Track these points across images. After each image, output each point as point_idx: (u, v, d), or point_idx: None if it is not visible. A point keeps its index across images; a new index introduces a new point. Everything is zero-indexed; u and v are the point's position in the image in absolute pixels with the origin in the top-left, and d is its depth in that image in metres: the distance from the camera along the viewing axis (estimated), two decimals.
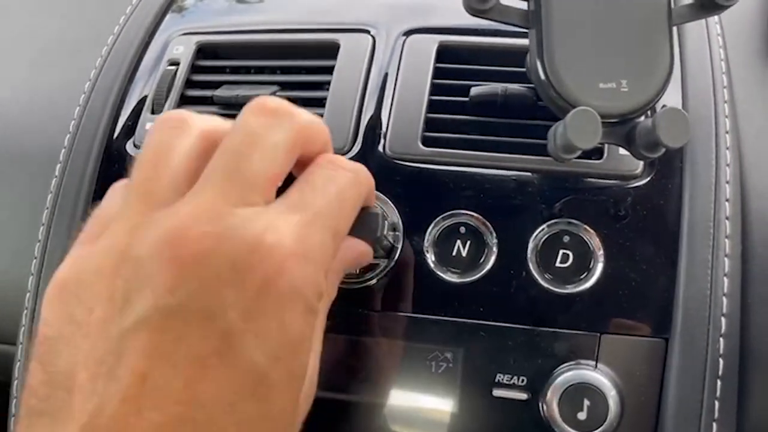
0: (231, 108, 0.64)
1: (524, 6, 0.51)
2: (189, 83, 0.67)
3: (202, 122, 0.42)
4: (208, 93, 0.65)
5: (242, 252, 0.34)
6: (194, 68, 0.68)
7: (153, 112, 0.65)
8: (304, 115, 0.42)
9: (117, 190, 0.44)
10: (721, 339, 0.50)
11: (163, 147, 0.40)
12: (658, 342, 0.52)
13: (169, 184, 0.38)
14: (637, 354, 0.52)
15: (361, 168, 0.45)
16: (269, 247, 0.35)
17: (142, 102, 0.67)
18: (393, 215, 0.56)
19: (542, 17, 0.49)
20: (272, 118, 0.41)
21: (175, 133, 0.41)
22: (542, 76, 0.49)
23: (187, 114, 0.42)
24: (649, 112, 0.52)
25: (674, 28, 0.53)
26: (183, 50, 0.68)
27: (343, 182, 0.42)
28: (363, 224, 0.47)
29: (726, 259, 0.52)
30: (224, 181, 0.37)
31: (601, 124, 0.48)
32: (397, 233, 0.55)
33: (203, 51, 0.69)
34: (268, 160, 0.39)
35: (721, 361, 0.50)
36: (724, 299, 0.51)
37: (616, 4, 0.49)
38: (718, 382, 0.50)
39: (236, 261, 0.34)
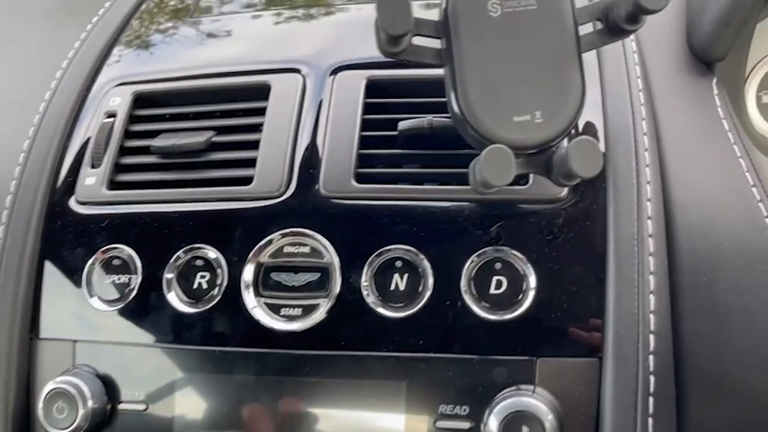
0: (168, 157, 0.65)
1: (438, 44, 0.52)
2: (128, 134, 0.67)
3: None
4: (146, 143, 0.66)
5: None
6: (132, 118, 0.68)
7: (93, 167, 0.66)
8: None
9: None
10: (651, 356, 0.51)
11: None
12: (592, 362, 0.53)
13: None
14: (574, 375, 0.53)
15: None
16: None
17: (81, 156, 0.67)
18: (331, 256, 0.57)
19: (454, 55, 0.50)
20: None
21: None
22: (457, 113, 0.50)
23: None
24: (567, 139, 0.53)
25: (593, 51, 0.54)
26: (120, 101, 0.69)
27: None
28: None
29: (651, 277, 0.53)
30: None
31: (519, 155, 0.50)
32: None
33: (140, 100, 0.69)
34: None
35: (652, 378, 0.51)
36: (652, 317, 0.52)
37: (526, 37, 0.50)
38: (651, 399, 0.51)
39: None
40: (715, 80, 0.64)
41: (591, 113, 0.59)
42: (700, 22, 0.64)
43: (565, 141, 0.53)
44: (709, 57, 0.64)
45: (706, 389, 0.54)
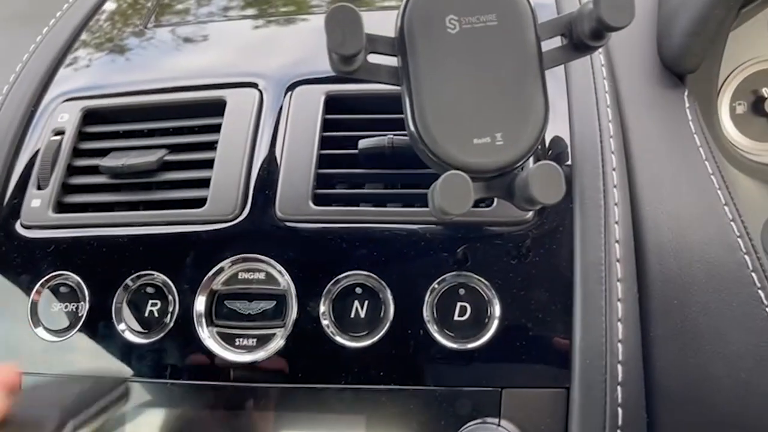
0: (119, 177, 0.62)
1: (395, 62, 0.50)
2: (76, 152, 0.64)
3: None
4: (95, 162, 0.62)
5: None
6: (82, 135, 0.65)
7: (39, 188, 0.63)
8: None
9: None
10: (619, 388, 0.49)
11: None
12: (559, 392, 0.51)
13: None
14: (540, 406, 0.51)
15: None
16: None
17: (28, 176, 0.64)
18: (287, 283, 0.54)
19: (410, 73, 0.48)
20: None
21: None
22: (414, 134, 0.48)
23: None
24: (532, 159, 0.51)
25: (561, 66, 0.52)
26: (68, 118, 0.66)
27: None
28: None
29: (619, 304, 0.51)
30: None
31: (478, 180, 0.47)
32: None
33: (90, 116, 0.66)
34: None
35: (620, 410, 0.49)
36: (620, 346, 0.50)
37: (486, 55, 0.48)
38: None
39: None
40: (686, 92, 0.61)
41: (557, 130, 0.56)
42: (671, 33, 0.61)
43: (530, 162, 0.51)
44: (681, 68, 0.62)
45: (678, 416, 0.52)
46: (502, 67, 0.48)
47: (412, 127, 0.48)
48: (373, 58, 0.49)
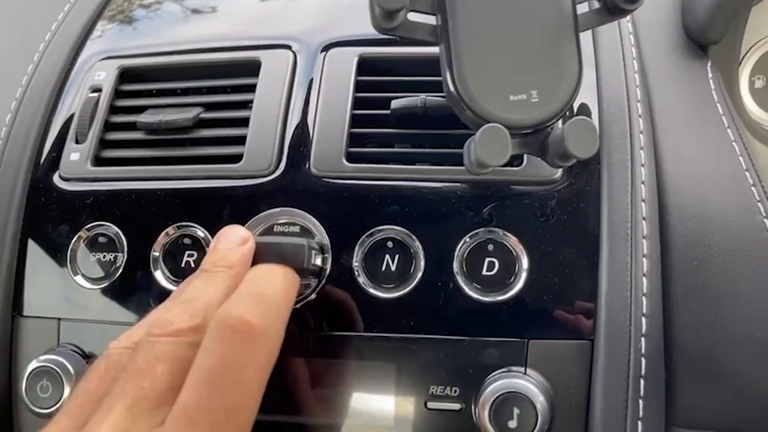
0: (155, 133, 0.63)
1: (433, 21, 0.51)
2: (113, 109, 0.66)
3: None
4: (132, 119, 0.64)
5: None
6: (118, 93, 0.67)
7: (77, 142, 0.64)
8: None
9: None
10: (643, 339, 0.51)
11: None
12: (584, 344, 0.53)
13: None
14: (565, 357, 0.53)
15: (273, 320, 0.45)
16: None
17: (65, 132, 0.66)
18: (322, 236, 0.56)
19: (449, 32, 0.49)
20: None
21: None
22: (453, 91, 0.49)
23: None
24: (561, 120, 0.52)
25: (588, 32, 0.53)
26: (105, 76, 0.67)
27: (244, 357, 0.43)
28: (286, 256, 0.49)
29: (644, 260, 0.53)
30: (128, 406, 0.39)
31: (514, 136, 0.49)
32: (325, 255, 0.56)
33: (126, 75, 0.68)
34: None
35: (643, 360, 0.51)
36: (644, 299, 0.52)
37: (523, 15, 0.50)
38: (642, 382, 0.51)
39: None
40: (709, 63, 0.63)
41: (586, 94, 0.58)
42: (695, 6, 0.63)
43: (560, 122, 0.52)
44: (704, 40, 0.64)
45: (696, 374, 0.54)
46: (538, 27, 0.50)
47: (450, 84, 0.50)
48: (413, 17, 0.51)
